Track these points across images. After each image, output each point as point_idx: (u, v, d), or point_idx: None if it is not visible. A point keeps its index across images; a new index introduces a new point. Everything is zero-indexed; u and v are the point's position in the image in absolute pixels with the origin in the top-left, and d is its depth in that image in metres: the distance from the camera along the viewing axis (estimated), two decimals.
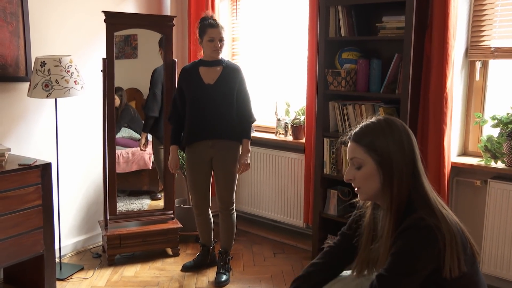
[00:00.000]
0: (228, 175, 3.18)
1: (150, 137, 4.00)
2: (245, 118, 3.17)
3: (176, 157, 3.27)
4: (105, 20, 3.32)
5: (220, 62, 3.14)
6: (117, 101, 3.91)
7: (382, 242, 1.53)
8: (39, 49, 3.27)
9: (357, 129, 1.59)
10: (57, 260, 3.27)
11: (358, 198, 1.67)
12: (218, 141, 3.13)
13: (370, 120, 1.59)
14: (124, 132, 4.10)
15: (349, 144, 1.60)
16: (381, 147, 1.52)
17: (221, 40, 3.06)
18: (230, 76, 3.11)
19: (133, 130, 4.12)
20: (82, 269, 3.37)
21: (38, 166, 2.78)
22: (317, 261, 1.78)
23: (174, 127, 3.26)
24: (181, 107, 3.19)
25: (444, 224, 1.44)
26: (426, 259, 1.42)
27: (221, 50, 3.09)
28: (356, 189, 1.61)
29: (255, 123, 3.48)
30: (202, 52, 3.18)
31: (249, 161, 3.17)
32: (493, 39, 2.96)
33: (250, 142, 3.19)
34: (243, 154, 3.16)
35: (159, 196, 4.02)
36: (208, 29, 3.05)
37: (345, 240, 1.76)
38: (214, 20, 3.08)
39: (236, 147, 3.18)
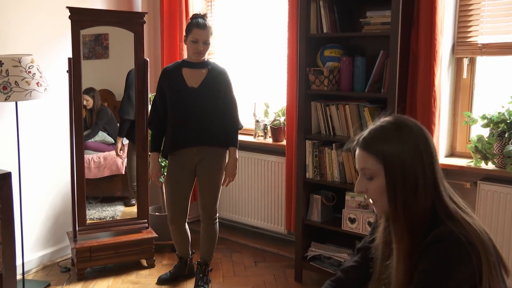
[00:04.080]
0: (212, 183, 3.01)
1: (125, 141, 3.80)
2: (232, 125, 3.01)
3: (157, 165, 3.06)
4: (70, 17, 3.09)
5: (205, 64, 2.96)
6: (90, 102, 3.72)
7: (396, 261, 1.34)
8: None
9: (365, 134, 1.38)
10: (19, 277, 3.02)
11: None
12: (203, 148, 2.96)
13: (379, 123, 1.38)
14: (97, 136, 3.89)
15: (357, 151, 1.40)
16: (394, 156, 1.31)
17: (205, 43, 2.88)
18: (216, 80, 2.94)
19: (107, 133, 3.90)
20: (48, 285, 3.14)
21: None
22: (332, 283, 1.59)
23: (155, 132, 3.06)
24: (162, 110, 2.99)
25: (476, 236, 1.25)
26: (459, 279, 1.24)
27: (204, 54, 2.91)
28: (371, 201, 1.41)
29: None
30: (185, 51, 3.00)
31: (236, 172, 3.04)
32: (480, 35, 2.84)
33: (237, 150, 3.04)
34: (230, 164, 3.01)
35: (133, 202, 3.81)
36: (194, 29, 2.85)
37: (364, 257, 1.58)
38: (204, 20, 2.88)
39: (222, 154, 3.02)
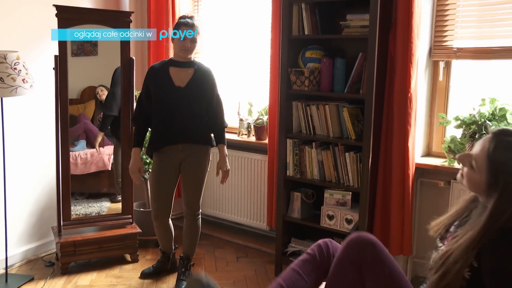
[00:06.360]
0: (197, 180, 3.08)
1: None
2: (218, 124, 3.10)
3: (138, 161, 3.09)
4: (56, 15, 3.13)
5: (191, 64, 3.03)
6: (104, 92, 3.80)
7: (469, 235, 1.47)
8: None
9: (508, 135, 1.43)
10: (2, 271, 3.07)
11: None
12: (187, 145, 3.02)
13: None
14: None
15: (485, 137, 1.47)
16: (508, 174, 1.39)
17: (192, 41, 2.95)
18: (202, 80, 3.01)
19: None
20: (32, 279, 3.17)
21: None
22: None
23: (138, 128, 3.12)
24: (147, 107, 3.05)
25: None
26: None
27: (191, 51, 2.98)
28: (460, 178, 1.56)
29: None
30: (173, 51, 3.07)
31: (229, 167, 3.12)
32: (456, 39, 2.94)
33: (226, 146, 3.13)
34: (222, 161, 3.10)
35: (119, 198, 3.85)
36: (182, 27, 2.93)
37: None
38: (191, 19, 2.97)
39: (206, 151, 3.09)
